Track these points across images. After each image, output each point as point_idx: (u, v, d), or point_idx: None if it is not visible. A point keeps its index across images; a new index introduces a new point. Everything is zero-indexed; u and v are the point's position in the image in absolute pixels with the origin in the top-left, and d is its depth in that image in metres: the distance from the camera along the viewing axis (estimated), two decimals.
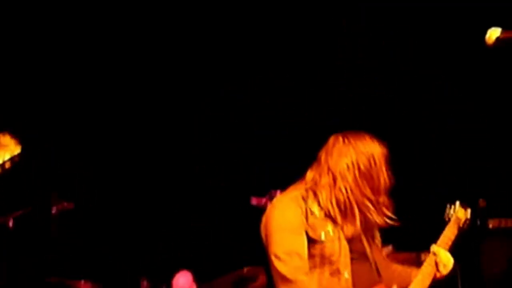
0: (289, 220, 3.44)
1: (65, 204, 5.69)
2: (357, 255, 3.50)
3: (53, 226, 6.26)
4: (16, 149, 3.16)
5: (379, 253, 3.63)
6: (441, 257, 3.56)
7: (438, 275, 3.58)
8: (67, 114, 6.68)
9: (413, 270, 3.65)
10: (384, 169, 3.49)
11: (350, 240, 3.48)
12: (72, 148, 6.68)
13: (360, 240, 3.55)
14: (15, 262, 5.98)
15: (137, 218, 6.94)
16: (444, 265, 3.57)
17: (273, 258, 3.42)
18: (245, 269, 5.58)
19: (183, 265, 6.31)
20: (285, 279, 3.36)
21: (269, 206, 3.64)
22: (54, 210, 5.69)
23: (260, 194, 5.29)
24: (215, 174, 6.77)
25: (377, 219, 3.47)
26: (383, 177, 3.49)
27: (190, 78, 6.87)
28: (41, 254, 6.68)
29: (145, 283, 5.80)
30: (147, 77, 6.86)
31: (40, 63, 6.56)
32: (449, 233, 3.65)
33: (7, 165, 3.15)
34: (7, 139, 3.16)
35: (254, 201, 5.36)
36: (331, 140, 3.57)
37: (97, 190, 6.79)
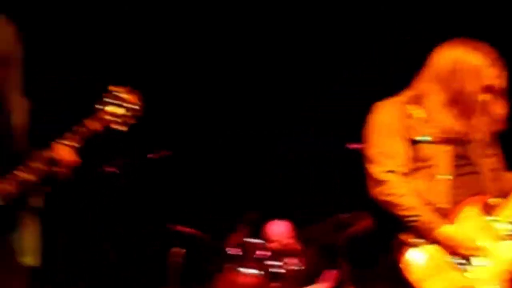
0: (386, 122, 3.42)
1: (163, 152, 5.74)
2: (464, 161, 3.43)
3: (149, 172, 6.35)
4: (135, 104, 3.14)
5: (490, 162, 3.53)
6: None
7: None
8: (165, 66, 6.78)
9: None
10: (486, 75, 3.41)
11: (458, 145, 3.43)
12: (171, 96, 6.77)
13: (469, 147, 3.46)
14: (116, 210, 6.13)
15: (234, 166, 7.00)
16: None
17: (367, 160, 3.41)
18: (343, 215, 5.59)
19: (280, 211, 6.36)
20: (375, 181, 3.34)
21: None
22: (150, 156, 5.75)
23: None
24: (314, 120, 6.77)
25: (482, 122, 3.43)
26: (483, 83, 3.42)
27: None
28: (138, 201, 6.85)
29: (244, 226, 5.85)
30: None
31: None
32: None
33: (129, 122, 3.12)
34: (127, 94, 3.12)
35: (350, 146, 5.30)
36: (438, 47, 3.54)
37: (195, 138, 6.87)
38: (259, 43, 6.87)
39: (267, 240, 6.22)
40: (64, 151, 3.03)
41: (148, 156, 5.71)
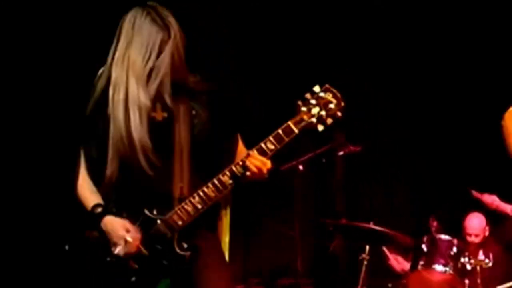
0: None
1: (351, 147, 5.71)
2: None
3: (339, 169, 6.34)
4: (338, 105, 3.00)
5: None
6: None
7: None
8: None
9: None
10: None
11: None
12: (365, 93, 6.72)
13: None
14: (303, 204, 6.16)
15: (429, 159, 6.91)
16: None
17: None
18: None
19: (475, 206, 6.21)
20: None
21: None
22: (340, 153, 5.73)
23: None
24: None
25: None
26: None
27: None
28: (327, 196, 6.88)
29: (435, 223, 5.77)
30: None
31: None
32: None
33: (329, 122, 3.03)
34: (329, 95, 3.03)
35: None
36: None
37: (384, 133, 6.81)
38: None
39: (465, 232, 6.14)
40: (257, 160, 2.98)
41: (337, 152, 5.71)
